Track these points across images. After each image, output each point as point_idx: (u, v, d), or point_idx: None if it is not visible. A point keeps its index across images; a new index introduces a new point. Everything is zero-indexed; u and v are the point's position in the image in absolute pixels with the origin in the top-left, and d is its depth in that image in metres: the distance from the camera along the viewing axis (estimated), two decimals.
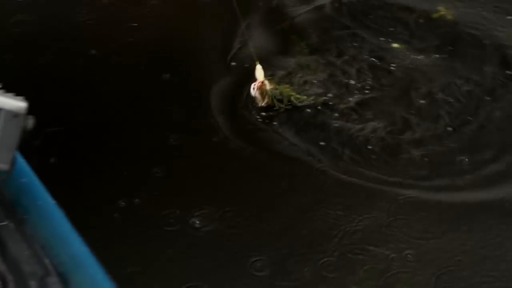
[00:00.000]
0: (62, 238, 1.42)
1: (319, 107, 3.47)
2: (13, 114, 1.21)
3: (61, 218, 1.44)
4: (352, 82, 3.67)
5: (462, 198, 2.96)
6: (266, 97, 3.37)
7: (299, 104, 3.45)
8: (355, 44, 3.99)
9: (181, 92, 3.61)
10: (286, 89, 3.47)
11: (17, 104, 1.22)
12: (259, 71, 3.35)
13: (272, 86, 3.40)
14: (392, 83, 3.69)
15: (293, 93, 3.47)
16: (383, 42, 4.02)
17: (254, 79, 3.37)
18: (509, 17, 4.17)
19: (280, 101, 3.41)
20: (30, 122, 1.25)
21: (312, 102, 3.48)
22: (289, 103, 3.43)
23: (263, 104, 3.39)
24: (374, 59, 3.85)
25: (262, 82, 3.34)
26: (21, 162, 1.49)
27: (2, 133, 1.22)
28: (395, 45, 4.00)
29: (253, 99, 3.40)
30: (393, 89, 3.65)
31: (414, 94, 3.58)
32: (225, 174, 3.11)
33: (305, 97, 3.49)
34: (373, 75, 3.72)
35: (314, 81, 3.66)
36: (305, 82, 3.66)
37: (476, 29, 4.05)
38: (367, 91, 3.61)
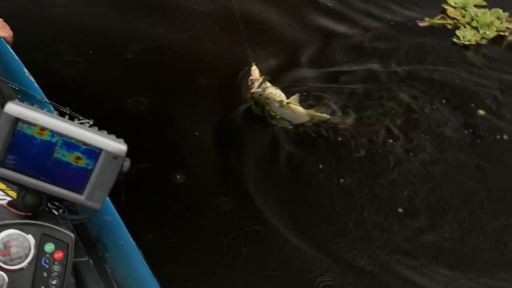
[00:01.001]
0: (139, 280, 1.42)
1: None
2: (113, 156, 1.21)
3: (140, 260, 1.45)
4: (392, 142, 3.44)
5: None
6: (249, 93, 3.44)
7: (269, 119, 3.42)
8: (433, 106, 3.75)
9: None
10: (268, 99, 3.40)
11: (118, 146, 1.21)
12: (253, 71, 3.42)
13: (259, 89, 3.39)
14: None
15: (269, 108, 3.40)
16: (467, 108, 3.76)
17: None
18: None
19: (256, 104, 3.43)
20: (127, 164, 1.24)
21: (289, 126, 3.42)
22: (261, 111, 3.42)
23: (247, 96, 3.46)
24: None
25: (253, 81, 3.40)
26: (106, 199, 1.51)
27: (100, 173, 1.23)
28: (481, 112, 3.74)
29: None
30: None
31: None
32: None
33: (278, 116, 3.40)
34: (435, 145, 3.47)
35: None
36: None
37: None
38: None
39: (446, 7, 4.58)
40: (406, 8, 4.57)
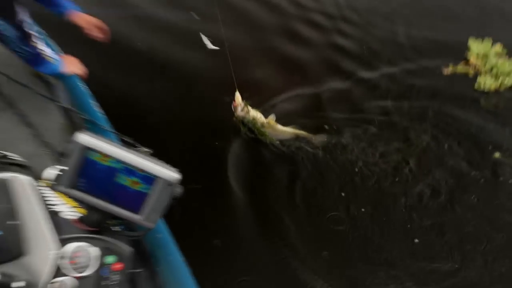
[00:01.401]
0: None
1: None
2: (168, 183, 1.40)
3: (187, 275, 1.61)
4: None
5: None
6: (235, 116, 3.66)
7: (259, 136, 3.66)
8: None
9: None
10: (255, 119, 3.64)
11: (173, 175, 1.40)
12: (237, 97, 3.65)
13: (243, 112, 3.63)
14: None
15: (258, 126, 3.66)
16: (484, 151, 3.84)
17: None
18: None
19: (244, 125, 3.68)
20: (179, 190, 1.42)
21: (276, 142, 3.69)
22: (248, 130, 3.67)
23: (234, 119, 3.67)
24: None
25: (236, 105, 3.63)
26: None
27: (156, 197, 1.41)
28: (497, 155, 3.81)
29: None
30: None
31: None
32: None
33: (267, 134, 3.67)
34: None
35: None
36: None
37: None
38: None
39: (469, 55, 4.77)
40: (430, 57, 4.76)
